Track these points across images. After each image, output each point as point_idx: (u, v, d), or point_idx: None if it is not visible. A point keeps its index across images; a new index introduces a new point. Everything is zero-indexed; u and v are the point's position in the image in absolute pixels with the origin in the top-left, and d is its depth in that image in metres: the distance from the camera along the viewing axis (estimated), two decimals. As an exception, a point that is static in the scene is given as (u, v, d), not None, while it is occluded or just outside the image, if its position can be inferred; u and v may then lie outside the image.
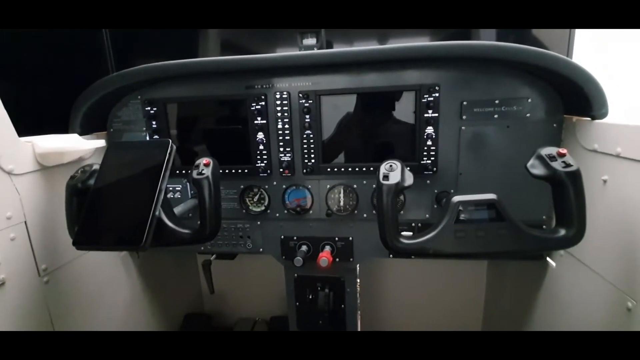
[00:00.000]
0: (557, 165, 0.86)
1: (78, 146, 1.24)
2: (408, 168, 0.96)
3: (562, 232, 0.88)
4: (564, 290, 1.22)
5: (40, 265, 1.14)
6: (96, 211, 1.00)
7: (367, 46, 1.19)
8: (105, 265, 1.44)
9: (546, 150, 0.89)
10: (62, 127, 1.34)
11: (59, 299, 1.21)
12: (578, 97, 1.09)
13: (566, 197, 0.86)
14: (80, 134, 1.33)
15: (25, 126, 1.11)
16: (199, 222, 1.02)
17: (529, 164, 0.90)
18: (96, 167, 1.08)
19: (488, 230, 0.88)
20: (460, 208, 0.89)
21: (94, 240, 0.97)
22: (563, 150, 0.87)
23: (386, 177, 0.91)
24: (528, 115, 1.18)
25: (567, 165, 0.85)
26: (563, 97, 1.17)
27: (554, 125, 1.19)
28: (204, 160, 1.02)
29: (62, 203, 1.14)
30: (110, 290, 1.48)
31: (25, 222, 1.09)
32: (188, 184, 1.46)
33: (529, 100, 1.17)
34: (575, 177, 0.85)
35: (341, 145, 1.33)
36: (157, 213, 0.95)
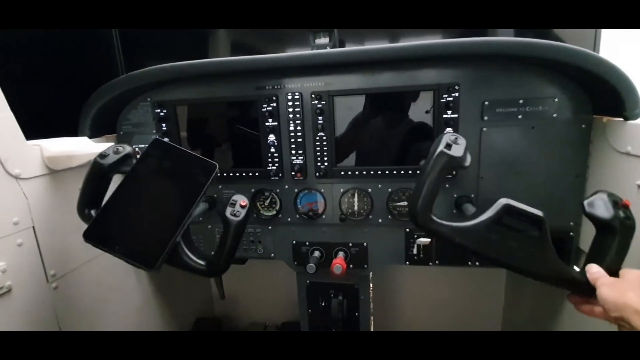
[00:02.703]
0: (620, 213, 0.79)
1: (87, 149, 1.21)
2: None
3: None
4: None
5: (49, 271, 1.11)
6: (119, 210, 0.94)
7: (379, 45, 1.14)
8: (115, 270, 1.42)
9: (612, 196, 0.82)
10: (71, 130, 1.32)
11: (68, 305, 1.19)
12: (609, 97, 1.02)
13: (612, 246, 0.79)
14: (90, 137, 1.32)
15: (33, 129, 1.09)
16: (213, 253, 0.98)
17: (586, 202, 0.82)
18: (129, 150, 1.00)
19: (523, 244, 0.82)
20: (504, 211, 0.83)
21: (106, 242, 0.91)
22: (629, 202, 0.81)
23: (449, 146, 0.85)
24: (555, 115, 1.12)
25: (628, 217, 0.79)
26: (592, 97, 1.10)
27: (583, 126, 1.12)
28: (241, 200, 0.97)
29: (71, 207, 1.11)
30: (120, 295, 1.46)
31: (33, 227, 1.07)
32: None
33: (556, 100, 1.11)
34: (629, 231, 0.79)
35: (353, 146, 1.28)
36: (178, 239, 0.91)
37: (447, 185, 1.23)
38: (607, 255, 0.80)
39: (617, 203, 0.80)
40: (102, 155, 0.99)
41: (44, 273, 1.10)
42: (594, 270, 0.79)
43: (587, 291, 0.79)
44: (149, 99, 1.37)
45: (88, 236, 0.91)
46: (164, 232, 0.89)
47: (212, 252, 0.99)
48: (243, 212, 0.97)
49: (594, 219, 0.81)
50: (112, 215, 0.93)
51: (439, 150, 0.85)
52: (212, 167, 0.95)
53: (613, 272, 0.79)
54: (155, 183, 0.97)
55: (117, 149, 1.00)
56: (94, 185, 1.00)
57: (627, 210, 0.80)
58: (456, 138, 0.87)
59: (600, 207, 0.81)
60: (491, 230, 0.83)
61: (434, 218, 0.86)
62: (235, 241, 0.96)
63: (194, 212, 0.93)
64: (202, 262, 0.96)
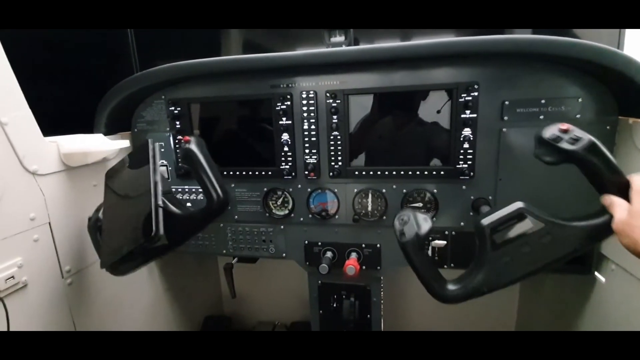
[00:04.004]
0: (566, 144, 0.74)
1: (102, 147, 1.22)
2: (423, 210, 0.98)
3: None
4: (615, 309, 1.11)
5: (64, 267, 1.12)
6: (111, 230, 1.04)
7: (392, 43, 1.12)
8: (128, 267, 1.42)
9: (546, 133, 0.77)
10: (87, 127, 1.33)
11: (82, 301, 1.20)
12: (636, 97, 0.99)
13: (595, 171, 0.75)
14: (105, 134, 1.32)
15: (50, 126, 1.10)
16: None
17: (536, 153, 0.79)
18: None
19: (532, 242, 0.78)
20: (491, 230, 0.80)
21: (118, 253, 0.97)
22: (564, 126, 0.76)
23: (402, 234, 0.85)
24: (578, 116, 1.08)
25: (577, 140, 0.74)
26: (618, 97, 1.06)
27: (607, 127, 1.08)
28: (183, 138, 1.02)
29: (86, 204, 1.13)
30: (132, 292, 1.46)
31: (49, 223, 1.08)
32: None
33: (579, 100, 1.07)
34: (593, 149, 0.74)
35: (362, 146, 1.26)
36: (159, 202, 0.94)
37: (463, 187, 1.20)
38: (602, 178, 0.75)
39: (558, 137, 0.76)
40: (89, 219, 1.13)
41: (59, 269, 1.11)
42: (608, 203, 0.74)
43: None
44: (163, 97, 1.38)
45: (105, 265, 1.02)
46: (146, 207, 0.94)
47: None
48: (190, 144, 1.00)
49: (556, 163, 0.77)
50: (109, 237, 1.04)
51: (399, 244, 0.86)
52: (145, 143, 1.02)
53: (622, 185, 0.73)
54: (123, 193, 1.07)
55: (98, 207, 1.14)
56: (98, 241, 1.11)
57: (571, 133, 0.75)
58: (402, 219, 0.87)
59: (550, 150, 0.77)
60: (498, 257, 0.80)
61: (451, 287, 0.85)
62: (206, 167, 0.99)
63: (157, 178, 0.97)
64: (198, 209, 1.00)
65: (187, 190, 1.44)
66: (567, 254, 0.79)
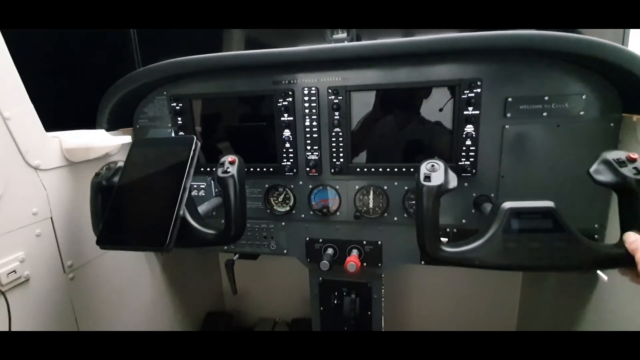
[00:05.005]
0: (627, 171, 0.76)
1: (104, 142, 1.22)
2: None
3: None
4: (618, 308, 1.11)
5: (66, 262, 1.13)
6: (120, 210, 0.98)
7: (394, 39, 1.11)
8: (129, 262, 1.43)
9: (613, 155, 0.78)
10: (89, 123, 1.33)
11: (84, 296, 1.20)
12: None
13: (638, 208, 0.75)
14: (107, 130, 1.32)
15: (52, 121, 1.10)
16: (223, 221, 0.97)
17: (592, 169, 0.80)
18: (121, 164, 1.06)
19: (545, 241, 0.78)
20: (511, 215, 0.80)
21: (118, 240, 0.95)
22: (634, 155, 0.77)
23: (427, 178, 0.83)
24: (582, 113, 1.07)
25: (639, 171, 0.75)
26: (622, 94, 1.05)
27: (611, 124, 1.07)
28: (230, 157, 0.98)
29: (88, 199, 1.13)
30: (134, 288, 1.47)
31: (51, 218, 1.08)
32: (212, 181, 1.43)
33: (583, 97, 1.06)
34: None
35: (364, 144, 1.26)
36: (181, 213, 0.92)
37: (465, 184, 1.20)
38: (638, 217, 0.76)
39: (623, 161, 0.77)
40: (97, 175, 1.06)
41: (61, 264, 1.12)
42: (631, 240, 0.74)
43: (633, 263, 0.74)
44: (165, 93, 1.38)
45: (101, 242, 0.96)
46: (166, 211, 0.91)
47: None
48: (233, 167, 0.96)
49: (606, 184, 0.78)
50: (116, 217, 0.98)
51: (418, 185, 0.84)
52: (190, 140, 0.99)
53: None
54: (146, 174, 1.01)
55: (109, 165, 1.06)
56: (98, 202, 1.05)
57: (637, 164, 0.76)
58: (432, 165, 0.85)
59: (608, 170, 0.78)
60: (506, 241, 0.80)
61: (444, 248, 0.84)
62: (237, 198, 0.96)
63: (188, 185, 0.94)
64: (212, 232, 0.97)
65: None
66: (570, 266, 0.80)
